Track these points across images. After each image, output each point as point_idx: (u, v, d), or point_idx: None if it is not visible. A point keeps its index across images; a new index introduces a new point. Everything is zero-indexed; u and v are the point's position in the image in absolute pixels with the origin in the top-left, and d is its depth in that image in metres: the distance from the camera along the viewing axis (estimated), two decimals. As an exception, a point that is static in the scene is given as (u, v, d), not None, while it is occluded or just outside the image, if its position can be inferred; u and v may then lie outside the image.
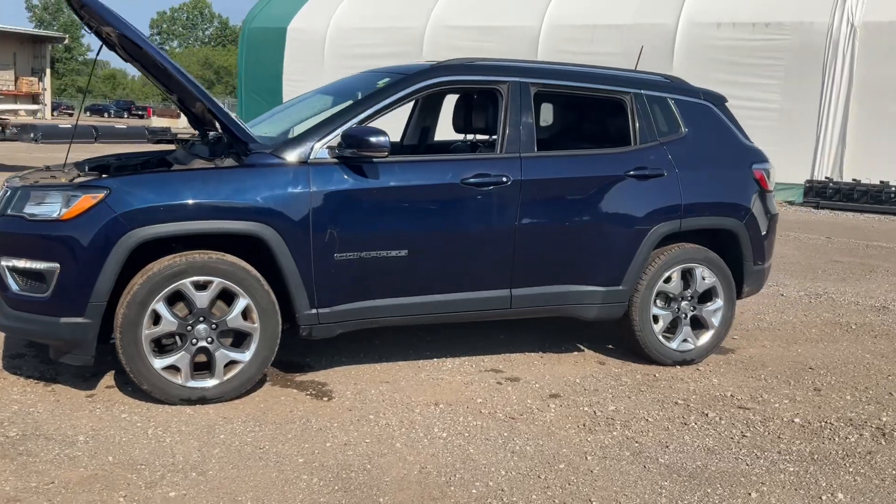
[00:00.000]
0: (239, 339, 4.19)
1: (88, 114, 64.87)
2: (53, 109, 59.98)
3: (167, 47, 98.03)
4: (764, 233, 5.29)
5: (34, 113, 34.19)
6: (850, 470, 3.72)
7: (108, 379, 4.41)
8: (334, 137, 4.27)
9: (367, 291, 4.36)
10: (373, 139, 4.12)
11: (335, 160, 4.25)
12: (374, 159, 4.31)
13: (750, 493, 3.44)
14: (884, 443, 4.05)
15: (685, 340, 5.13)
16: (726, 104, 5.42)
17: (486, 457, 3.67)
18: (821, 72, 16.00)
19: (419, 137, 6.02)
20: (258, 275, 4.11)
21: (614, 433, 4.02)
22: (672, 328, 5.12)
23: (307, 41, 21.71)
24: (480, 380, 4.69)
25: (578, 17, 18.62)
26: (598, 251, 4.80)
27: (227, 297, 4.12)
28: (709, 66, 16.99)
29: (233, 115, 4.21)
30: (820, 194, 15.29)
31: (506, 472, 3.53)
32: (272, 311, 4.16)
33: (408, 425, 3.97)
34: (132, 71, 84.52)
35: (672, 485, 3.49)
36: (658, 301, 5.07)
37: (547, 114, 5.85)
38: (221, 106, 4.18)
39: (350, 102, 4.52)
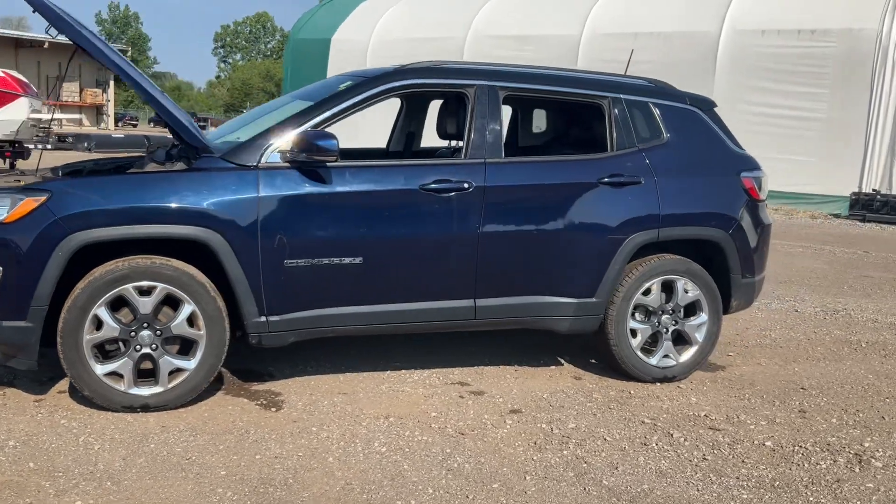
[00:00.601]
0: (186, 346, 4.11)
1: (152, 124, 66.53)
2: (118, 121, 61.69)
3: (230, 60, 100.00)
4: (754, 244, 5.02)
5: (77, 122, 35.07)
6: (811, 499, 3.45)
7: (64, 384, 4.37)
8: (287, 141, 4.16)
9: (321, 300, 4.25)
10: (320, 143, 4.02)
11: (287, 164, 4.14)
12: (328, 164, 4.20)
13: (690, 521, 3.21)
14: (857, 470, 3.77)
15: (666, 356, 4.88)
16: (715, 109, 5.16)
17: (419, 474, 3.51)
18: (869, 80, 15.41)
19: (404, 143, 5.90)
20: (204, 280, 4.03)
21: (564, 452, 3.82)
22: (653, 343, 4.88)
23: (350, 52, 21.85)
24: (443, 393, 4.53)
25: (619, 25, 18.33)
26: (569, 261, 4.61)
27: (174, 303, 4.04)
28: (752, 74, 16.56)
29: (183, 119, 4.14)
30: (866, 207, 14.70)
31: (434, 490, 3.37)
32: (218, 318, 4.07)
33: (348, 439, 3.83)
34: (199, 83, 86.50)
35: (608, 509, 3.28)
36: (637, 314, 4.84)
37: (523, 119, 5.69)
38: (171, 110, 4.11)
39: (307, 105, 4.41)
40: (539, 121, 5.91)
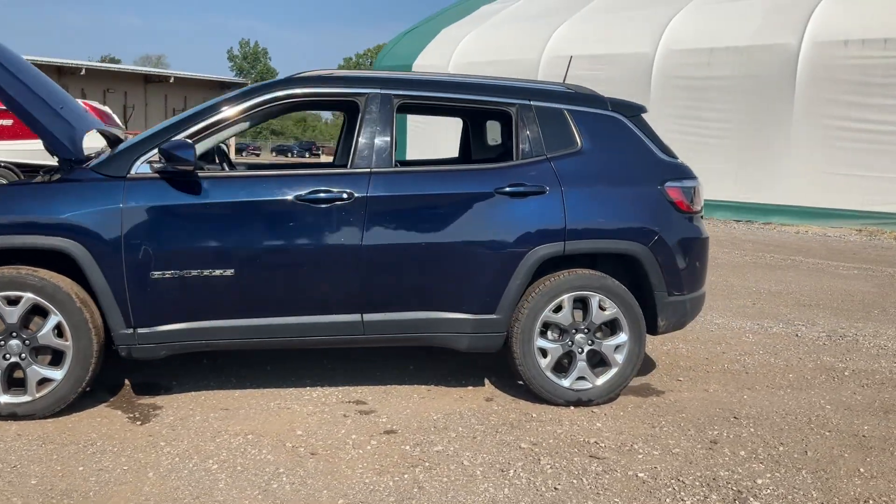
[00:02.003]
0: (57, 356, 4.13)
1: (274, 154, 69.28)
2: (241, 150, 64.55)
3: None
4: (682, 260, 4.63)
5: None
6: (640, 537, 3.09)
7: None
8: (155, 152, 4.15)
9: (192, 312, 4.19)
10: (177, 152, 3.98)
11: (156, 175, 4.13)
12: (199, 174, 4.16)
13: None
14: (724, 509, 3.37)
15: (581, 378, 4.55)
16: (643, 115, 4.82)
17: (229, 493, 3.37)
18: (962, 89, 14.20)
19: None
20: (70, 291, 4.05)
21: (405, 476, 3.59)
22: (569, 364, 4.56)
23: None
24: (329, 411, 4.37)
25: (694, 41, 17.70)
26: (464, 276, 4.37)
27: (45, 313, 4.08)
28: (835, 87, 15.63)
29: (56, 130, 4.18)
30: (958, 227, 13.48)
31: (230, 510, 3.23)
32: (85, 329, 4.08)
33: (188, 456, 3.73)
34: (325, 114, 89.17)
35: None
36: (551, 333, 4.54)
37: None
38: (44, 123, 4.17)
39: (186, 115, 4.39)
40: (493, 133, 5.71)
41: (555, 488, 3.51)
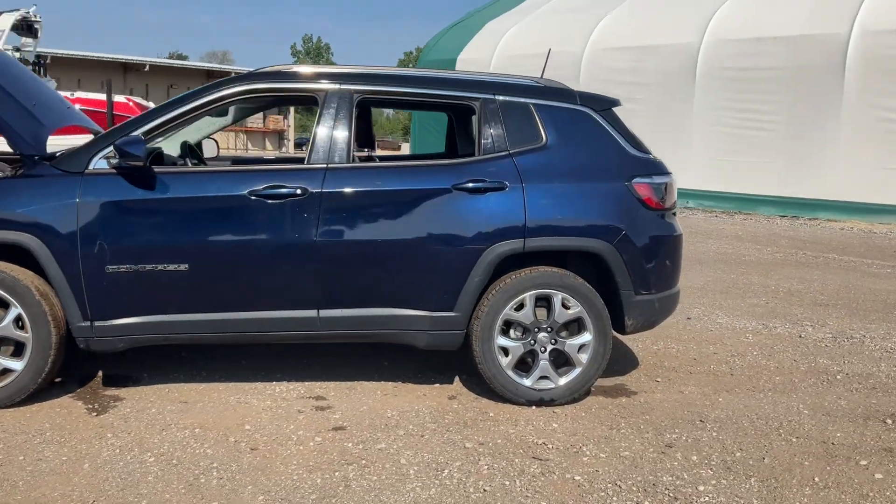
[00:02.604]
0: (20, 347, 4.22)
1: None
2: (299, 145, 65.28)
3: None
4: (650, 258, 4.51)
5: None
6: (552, 543, 3.02)
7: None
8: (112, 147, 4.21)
9: (148, 306, 4.24)
10: (128, 148, 4.02)
11: (113, 171, 4.19)
12: (157, 169, 4.22)
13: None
14: (650, 515, 3.26)
15: (544, 378, 4.47)
16: (613, 109, 4.70)
17: (154, 486, 3.40)
18: None
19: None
20: (30, 284, 4.14)
21: (336, 474, 3.57)
22: (533, 363, 4.48)
23: (473, 69, 21.94)
24: (286, 407, 4.38)
25: (742, 31, 17.23)
26: (422, 273, 4.33)
27: (7, 304, 4.17)
28: (886, 78, 15.01)
29: (18, 126, 4.26)
30: None
31: (148, 502, 3.25)
32: (44, 321, 4.16)
33: (128, 448, 3.77)
34: (385, 108, 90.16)
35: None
36: (514, 331, 4.47)
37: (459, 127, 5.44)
38: (5, 118, 4.25)
39: (148, 111, 4.44)
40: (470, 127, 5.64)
41: (484, 490, 3.45)
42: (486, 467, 3.67)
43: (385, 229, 4.29)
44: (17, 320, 4.17)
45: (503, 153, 4.43)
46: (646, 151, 4.66)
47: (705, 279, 8.66)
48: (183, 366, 4.99)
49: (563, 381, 4.47)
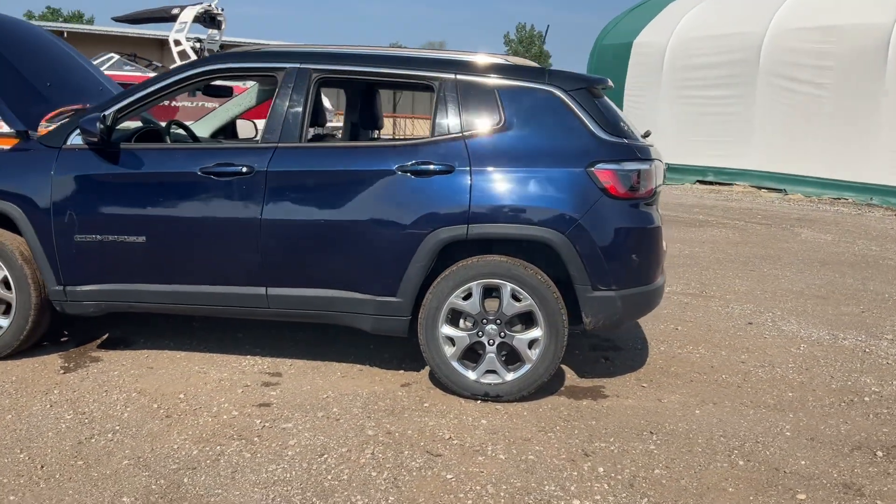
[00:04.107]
0: (9, 307, 4.63)
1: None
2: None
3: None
4: (609, 250, 4.15)
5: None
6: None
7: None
8: (84, 124, 4.48)
9: (113, 275, 4.50)
10: (86, 125, 4.28)
11: (85, 146, 4.47)
12: (124, 146, 4.46)
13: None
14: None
15: (491, 372, 4.27)
16: (594, 88, 4.35)
17: (46, 442, 3.61)
18: None
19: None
20: (15, 248, 4.52)
21: (219, 448, 3.62)
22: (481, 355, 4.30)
23: (648, 54, 21.18)
24: (236, 380, 4.49)
25: (944, 8, 15.28)
26: (364, 255, 4.26)
27: None
28: None
29: (10, 104, 4.66)
30: None
31: (25, 457, 3.47)
32: (25, 283, 4.54)
33: (58, 405, 4.02)
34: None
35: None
36: (464, 322, 4.31)
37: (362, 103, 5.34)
38: (-1, 99, 4.66)
39: (121, 92, 4.68)
40: (372, 105, 5.62)
41: (341, 478, 3.36)
42: (367, 456, 3.57)
43: (328, 210, 4.26)
44: (5, 282, 4.55)
45: (456, 135, 4.24)
46: (623, 135, 4.28)
47: (811, 282, 7.82)
48: (182, 334, 5.23)
49: (510, 376, 4.23)
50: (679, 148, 19.78)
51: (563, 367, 4.91)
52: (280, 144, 4.33)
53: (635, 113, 21.18)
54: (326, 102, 18.25)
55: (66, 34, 27.83)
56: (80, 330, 5.21)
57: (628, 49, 21.89)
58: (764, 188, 17.89)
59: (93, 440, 3.65)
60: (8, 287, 4.57)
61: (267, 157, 4.29)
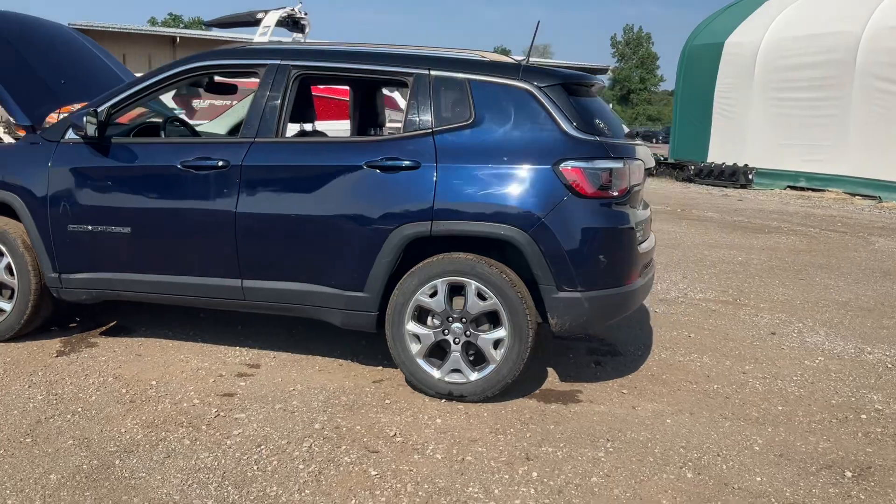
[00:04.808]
0: (12, 292, 4.89)
1: (640, 139, 68.45)
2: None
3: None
4: (574, 250, 4.04)
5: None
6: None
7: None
8: (81, 119, 4.68)
9: (102, 263, 4.67)
10: (75, 120, 4.47)
11: (80, 140, 4.67)
12: (114, 140, 4.64)
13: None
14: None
15: (456, 371, 4.22)
16: (574, 84, 4.23)
17: (7, 421, 3.78)
18: None
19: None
20: (17, 236, 4.77)
21: (164, 433, 3.70)
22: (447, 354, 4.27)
23: (740, 55, 20.50)
24: (213, 370, 4.58)
25: None
26: (333, 250, 4.29)
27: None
28: None
29: (16, 99, 4.90)
30: None
31: (-19, 432, 3.65)
32: (26, 270, 4.78)
33: (36, 385, 4.21)
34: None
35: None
36: (432, 319, 4.28)
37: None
38: (7, 92, 4.90)
39: (116, 88, 4.85)
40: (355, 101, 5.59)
41: (266, 469, 3.39)
42: (303, 449, 3.59)
43: (298, 204, 4.30)
44: (8, 268, 4.81)
45: (426, 130, 4.22)
46: (596, 133, 4.15)
47: (861, 293, 7.39)
48: (184, 325, 5.39)
49: (474, 376, 4.18)
50: (770, 152, 19.06)
51: (549, 369, 4.81)
52: (256, 139, 4.40)
53: (726, 115, 20.54)
54: (399, 100, 18.39)
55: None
56: (89, 317, 5.43)
57: (720, 49, 21.23)
58: (858, 195, 17.01)
59: (51, 420, 3.79)
60: (12, 273, 4.80)
61: (243, 152, 4.37)
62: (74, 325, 5.34)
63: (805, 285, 7.68)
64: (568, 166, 4.01)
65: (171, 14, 76.48)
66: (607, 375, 4.76)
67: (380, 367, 4.72)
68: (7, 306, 4.85)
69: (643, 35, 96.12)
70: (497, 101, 4.19)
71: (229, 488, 3.20)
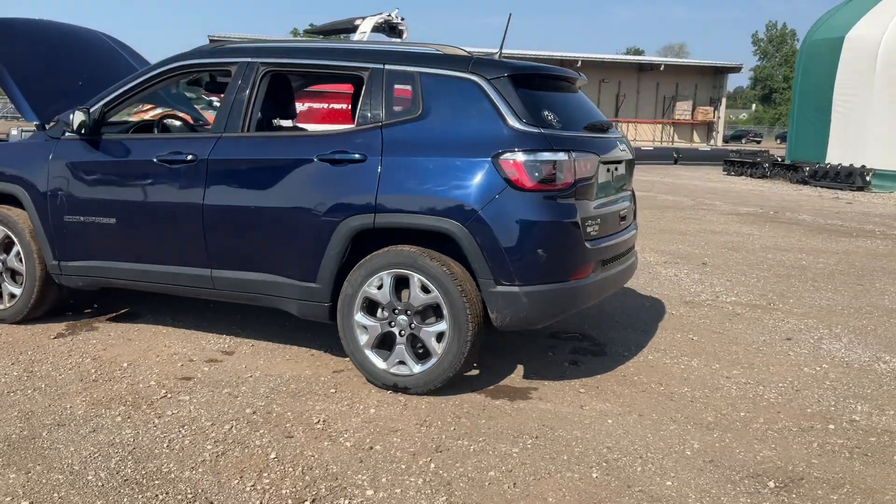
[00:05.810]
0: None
1: (778, 140, 65.63)
2: (739, 138, 62.67)
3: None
4: (513, 244, 3.98)
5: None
6: None
7: None
8: (77, 116, 5.01)
9: (93, 252, 4.98)
10: (63, 117, 4.80)
11: (77, 136, 5.00)
12: (105, 136, 4.94)
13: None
14: None
15: (401, 363, 4.26)
16: (513, 76, 4.17)
17: (-25, 392, 4.12)
18: None
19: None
20: (25, 225, 5.16)
21: (103, 411, 3.90)
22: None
23: (860, 49, 19.37)
24: (187, 355, 4.79)
25: None
26: (287, 241, 4.40)
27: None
28: None
29: (28, 99, 5.28)
30: None
31: (-56, 402, 3.98)
32: (32, 257, 5.16)
33: (20, 363, 4.52)
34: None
35: None
36: (381, 311, 4.33)
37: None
38: (15, 90, 5.30)
39: (110, 88, 5.15)
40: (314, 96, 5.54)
41: (175, 447, 3.52)
42: (222, 432, 3.70)
43: (255, 196, 4.44)
44: (17, 255, 5.20)
45: (376, 124, 4.27)
46: (543, 125, 4.08)
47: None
48: (187, 313, 5.65)
49: (417, 369, 4.19)
50: (892, 152, 17.87)
51: (519, 366, 4.75)
52: (224, 134, 4.57)
53: (845, 114, 19.43)
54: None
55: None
56: (106, 304, 5.76)
57: (839, 44, 20.10)
58: (984, 199, 15.69)
59: (10, 395, 4.08)
60: (20, 260, 5.19)
61: (210, 146, 4.56)
62: (90, 310, 5.68)
63: (859, 291, 7.19)
64: (508, 159, 3.96)
65: (311, 24, 79.31)
66: (576, 374, 4.65)
67: (346, 359, 4.78)
68: (16, 291, 5.23)
69: (787, 31, 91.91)
70: (445, 94, 4.18)
71: (129, 463, 3.35)
